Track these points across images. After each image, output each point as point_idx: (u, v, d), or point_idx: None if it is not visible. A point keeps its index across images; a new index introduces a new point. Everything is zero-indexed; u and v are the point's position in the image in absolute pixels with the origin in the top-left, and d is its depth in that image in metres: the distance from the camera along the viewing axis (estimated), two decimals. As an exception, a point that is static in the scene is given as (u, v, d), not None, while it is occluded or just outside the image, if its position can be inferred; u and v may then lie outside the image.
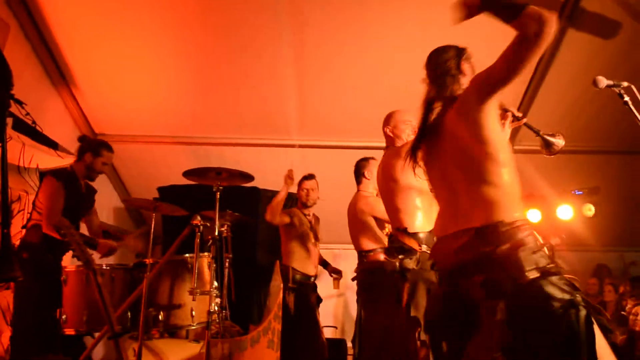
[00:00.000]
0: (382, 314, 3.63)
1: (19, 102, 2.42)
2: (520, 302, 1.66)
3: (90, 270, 2.76)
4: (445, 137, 2.00)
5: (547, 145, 2.43)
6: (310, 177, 4.72)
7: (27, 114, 2.41)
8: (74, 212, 3.66)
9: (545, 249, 1.81)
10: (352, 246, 4.25)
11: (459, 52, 2.14)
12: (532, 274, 1.68)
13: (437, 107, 2.10)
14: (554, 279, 1.68)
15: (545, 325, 1.62)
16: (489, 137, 1.85)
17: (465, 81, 2.07)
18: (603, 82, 2.37)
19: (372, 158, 4.19)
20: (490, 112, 1.86)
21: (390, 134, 3.24)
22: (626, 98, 2.33)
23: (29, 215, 3.68)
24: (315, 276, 4.67)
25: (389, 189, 3.05)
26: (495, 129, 1.88)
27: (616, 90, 2.39)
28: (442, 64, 2.14)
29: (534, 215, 5.62)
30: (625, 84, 2.36)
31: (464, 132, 1.90)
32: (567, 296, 1.63)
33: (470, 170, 1.89)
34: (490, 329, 1.70)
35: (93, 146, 3.80)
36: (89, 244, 3.63)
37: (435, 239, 2.12)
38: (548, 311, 1.62)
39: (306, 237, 4.61)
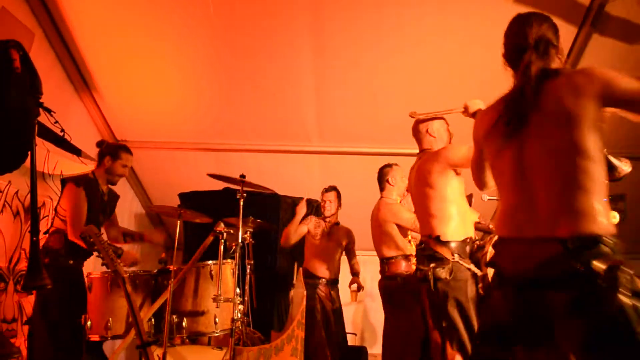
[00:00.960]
0: (404, 320, 3.61)
1: (48, 110, 2.45)
2: (609, 325, 1.52)
3: (119, 279, 2.76)
4: (540, 119, 1.75)
5: (610, 169, 2.14)
6: (329, 189, 4.82)
7: (56, 122, 2.42)
8: (96, 218, 3.68)
9: None
10: (373, 253, 4.24)
11: (556, 28, 1.89)
12: (626, 298, 1.52)
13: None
14: None
15: (633, 350, 1.49)
16: (591, 138, 1.66)
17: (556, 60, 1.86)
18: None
19: (395, 164, 4.18)
20: (598, 117, 1.69)
21: (431, 136, 3.10)
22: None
23: (51, 220, 3.71)
24: (329, 280, 4.68)
25: (423, 194, 2.95)
26: (598, 133, 1.68)
27: (646, 96, 2.34)
28: (544, 31, 1.86)
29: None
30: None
31: (570, 122, 1.68)
32: None
33: (563, 167, 1.69)
34: (568, 349, 1.57)
35: (111, 149, 3.80)
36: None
37: (497, 237, 1.89)
38: (637, 337, 1.49)
39: (321, 240, 4.71)
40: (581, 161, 1.65)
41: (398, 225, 3.95)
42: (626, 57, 4.36)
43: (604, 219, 1.62)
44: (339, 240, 4.81)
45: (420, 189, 2.98)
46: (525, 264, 1.69)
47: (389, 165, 4.17)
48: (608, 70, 1.72)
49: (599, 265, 1.55)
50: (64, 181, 3.69)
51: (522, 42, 1.86)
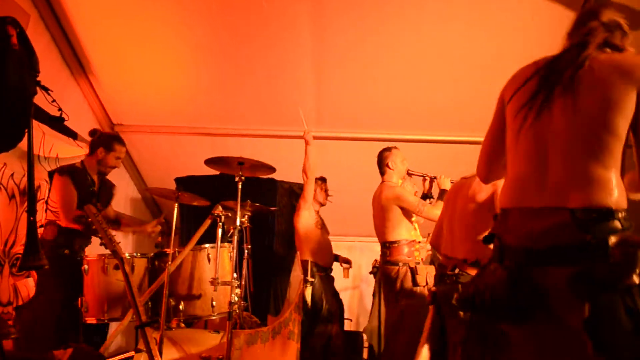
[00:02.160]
0: (403, 307, 3.61)
1: (45, 89, 2.42)
2: (615, 304, 1.42)
3: (117, 259, 2.77)
4: (576, 85, 1.61)
5: None
6: (325, 179, 4.82)
7: (53, 100, 2.39)
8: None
9: None
10: (368, 239, 4.24)
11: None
12: (637, 277, 1.41)
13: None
14: None
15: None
16: (621, 118, 1.55)
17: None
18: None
19: (394, 147, 4.15)
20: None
21: None
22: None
23: (44, 212, 3.70)
24: (331, 268, 4.69)
25: (467, 209, 2.80)
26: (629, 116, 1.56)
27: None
28: (617, 18, 1.75)
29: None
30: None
31: (606, 99, 1.56)
32: None
33: (585, 137, 1.58)
34: (570, 323, 1.48)
35: (105, 141, 3.79)
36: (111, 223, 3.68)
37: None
38: None
39: (322, 230, 4.67)
40: (605, 136, 1.55)
41: (402, 208, 3.90)
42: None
43: (618, 193, 1.52)
44: (327, 229, 4.85)
45: (464, 204, 2.85)
46: (529, 234, 1.59)
47: (388, 149, 4.14)
48: None
49: (613, 239, 1.46)
50: (51, 173, 3.71)
51: (593, 16, 1.75)
